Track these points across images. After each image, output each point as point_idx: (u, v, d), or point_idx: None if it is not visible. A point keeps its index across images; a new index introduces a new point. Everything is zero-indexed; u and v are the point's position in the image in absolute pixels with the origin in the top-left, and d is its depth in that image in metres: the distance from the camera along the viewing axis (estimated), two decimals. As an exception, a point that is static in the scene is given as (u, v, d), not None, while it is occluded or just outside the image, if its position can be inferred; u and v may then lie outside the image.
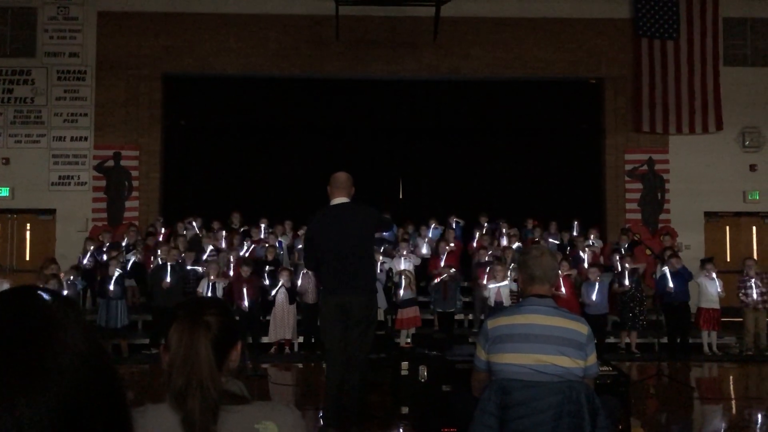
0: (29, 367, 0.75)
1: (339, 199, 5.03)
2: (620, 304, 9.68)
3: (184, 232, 11.48)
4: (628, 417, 4.63)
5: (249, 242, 11.29)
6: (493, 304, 9.49)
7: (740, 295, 9.67)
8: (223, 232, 11.63)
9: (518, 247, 10.87)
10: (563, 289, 8.97)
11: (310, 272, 9.04)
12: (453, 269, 10.04)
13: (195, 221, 12.04)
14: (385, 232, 5.76)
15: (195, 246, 10.93)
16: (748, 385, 8.24)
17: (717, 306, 9.59)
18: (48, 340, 0.78)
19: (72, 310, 0.83)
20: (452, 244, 10.82)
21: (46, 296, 0.83)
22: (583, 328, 3.02)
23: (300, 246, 10.79)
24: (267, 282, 9.79)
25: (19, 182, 12.58)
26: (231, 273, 10.14)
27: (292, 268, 10.30)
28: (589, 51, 13.13)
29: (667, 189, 13.12)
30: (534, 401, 2.85)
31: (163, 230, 11.86)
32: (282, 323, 9.59)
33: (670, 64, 13.02)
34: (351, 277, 4.89)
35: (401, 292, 9.42)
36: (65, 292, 8.35)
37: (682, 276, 9.48)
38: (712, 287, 9.56)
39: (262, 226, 11.79)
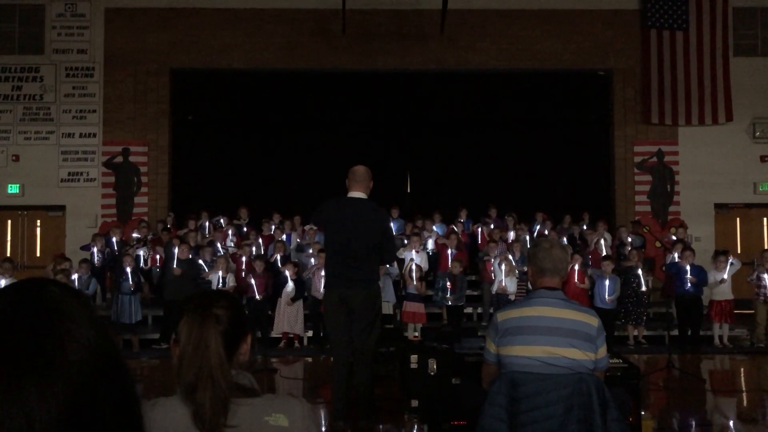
0: (39, 359, 0.75)
1: (355, 193, 5.03)
2: (623, 299, 9.62)
3: (206, 224, 11.55)
4: (639, 409, 4.62)
5: (260, 238, 11.32)
6: (494, 294, 9.50)
7: (751, 281, 9.60)
8: (243, 223, 11.71)
9: (525, 238, 10.90)
10: (576, 277, 8.97)
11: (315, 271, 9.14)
12: (459, 263, 10.04)
13: (204, 218, 12.09)
14: (387, 260, 5.62)
15: (206, 241, 10.97)
16: (759, 377, 8.20)
17: (730, 297, 9.53)
18: (58, 333, 0.77)
19: (82, 303, 0.83)
20: (458, 231, 10.91)
21: (56, 288, 0.83)
22: (593, 321, 3.01)
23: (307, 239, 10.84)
24: (284, 274, 9.80)
25: (28, 179, 12.64)
26: (242, 267, 10.16)
27: (296, 260, 10.32)
28: (597, 42, 13.05)
29: (676, 181, 13.04)
30: (544, 394, 2.84)
31: (169, 225, 11.90)
32: (287, 317, 9.61)
33: (680, 55, 12.92)
34: (353, 270, 4.89)
35: (409, 285, 9.43)
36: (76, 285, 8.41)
37: (699, 274, 9.41)
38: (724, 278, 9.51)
39: (273, 225, 11.76)
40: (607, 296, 9.22)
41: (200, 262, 10.08)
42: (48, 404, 0.73)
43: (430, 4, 12.17)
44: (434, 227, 11.74)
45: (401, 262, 9.65)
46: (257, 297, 9.44)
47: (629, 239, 11.00)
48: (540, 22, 13.00)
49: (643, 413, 4.77)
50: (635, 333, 9.64)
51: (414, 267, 9.52)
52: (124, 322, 9.18)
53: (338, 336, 5.01)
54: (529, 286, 3.32)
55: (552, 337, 2.92)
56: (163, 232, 11.43)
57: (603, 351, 3.02)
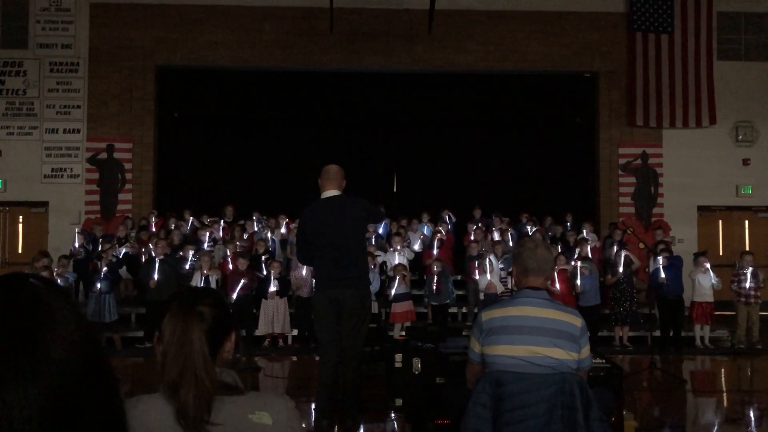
0: (20, 354, 0.74)
1: (330, 192, 5.02)
2: (611, 299, 9.70)
3: (172, 227, 11.38)
4: (621, 409, 4.65)
5: (244, 235, 11.27)
6: (483, 296, 9.51)
7: (733, 287, 9.70)
8: (222, 223, 11.64)
9: (513, 235, 11.01)
10: (557, 285, 8.96)
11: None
12: (440, 262, 10.07)
13: (188, 215, 12.01)
14: (377, 224, 5.75)
15: (190, 240, 10.89)
16: (739, 377, 8.29)
17: (710, 299, 9.62)
18: (39, 328, 0.77)
19: (64, 298, 0.82)
20: (443, 231, 10.94)
21: (38, 283, 0.82)
22: (577, 321, 3.03)
23: (292, 239, 10.80)
24: (264, 273, 9.76)
25: (11, 175, 12.50)
26: (227, 265, 10.10)
27: (281, 260, 10.27)
28: (583, 45, 13.13)
29: (660, 183, 13.15)
30: (527, 393, 2.86)
31: (154, 220, 11.81)
32: (273, 316, 9.57)
33: (664, 58, 13.03)
34: (344, 270, 4.88)
35: (395, 286, 9.41)
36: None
37: (676, 266, 9.50)
38: (705, 281, 9.59)
39: (255, 219, 11.77)
40: (581, 284, 9.26)
41: (184, 260, 10.00)
42: (29, 402, 0.73)
43: (418, 5, 12.18)
44: (422, 227, 11.76)
45: (386, 264, 9.64)
46: (237, 296, 9.38)
47: (616, 242, 11.06)
48: (526, 23, 13.06)
49: (625, 413, 4.80)
50: (620, 334, 9.70)
51: (398, 269, 9.50)
52: (100, 320, 9.01)
53: (327, 337, 4.99)
54: (514, 286, 3.34)
55: (536, 336, 2.94)
56: (142, 230, 11.33)
57: (586, 351, 3.05)
